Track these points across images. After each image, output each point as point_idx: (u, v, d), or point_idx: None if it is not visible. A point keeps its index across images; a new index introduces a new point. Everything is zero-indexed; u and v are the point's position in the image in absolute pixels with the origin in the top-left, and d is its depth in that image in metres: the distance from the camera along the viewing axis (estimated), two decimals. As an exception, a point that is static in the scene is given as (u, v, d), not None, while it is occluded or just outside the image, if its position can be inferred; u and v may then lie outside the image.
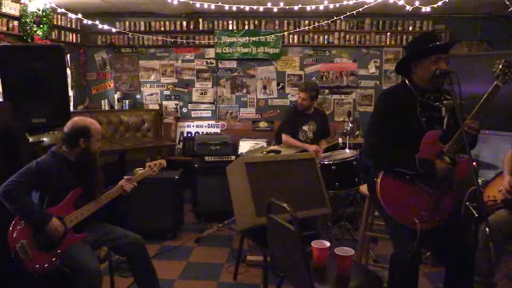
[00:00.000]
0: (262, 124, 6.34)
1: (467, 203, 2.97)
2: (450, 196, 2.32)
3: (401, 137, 2.31)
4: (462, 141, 2.15)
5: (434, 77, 2.24)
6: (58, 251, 2.41)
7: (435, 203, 2.27)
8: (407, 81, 2.44)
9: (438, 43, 2.32)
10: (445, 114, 2.38)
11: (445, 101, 2.33)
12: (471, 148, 2.36)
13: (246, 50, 6.14)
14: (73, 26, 5.89)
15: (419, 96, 2.36)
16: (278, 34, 6.04)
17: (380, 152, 2.38)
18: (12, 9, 4.64)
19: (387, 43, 6.04)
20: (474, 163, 2.05)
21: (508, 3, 4.39)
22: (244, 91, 6.32)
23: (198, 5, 5.18)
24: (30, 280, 2.43)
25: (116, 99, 6.26)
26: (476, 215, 1.99)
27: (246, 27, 6.11)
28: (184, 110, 6.42)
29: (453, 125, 2.34)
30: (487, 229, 1.84)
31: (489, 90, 2.19)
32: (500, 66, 2.18)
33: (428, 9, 5.00)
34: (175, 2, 4.97)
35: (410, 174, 2.26)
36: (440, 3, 4.75)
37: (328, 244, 2.27)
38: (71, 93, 5.53)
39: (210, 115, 6.41)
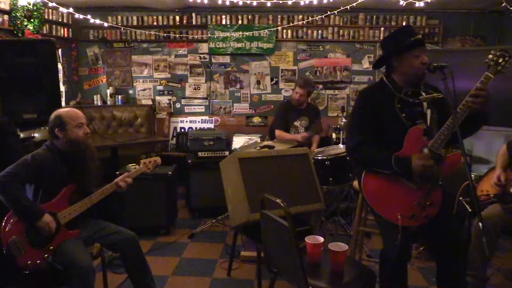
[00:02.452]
0: (256, 120, 6.32)
1: (460, 198, 3.00)
2: (437, 192, 2.28)
3: (383, 134, 2.31)
4: (448, 135, 2.14)
5: (428, 71, 2.22)
6: (51, 248, 2.39)
7: (420, 199, 2.23)
8: (384, 78, 2.42)
9: (417, 36, 2.29)
10: (426, 108, 2.36)
11: (421, 97, 2.30)
12: (471, 133, 2.31)
13: (239, 45, 6.10)
14: (65, 20, 5.82)
15: (396, 92, 2.34)
16: (272, 29, 6.01)
17: (358, 154, 2.38)
18: (2, 3, 4.57)
19: (381, 38, 6.02)
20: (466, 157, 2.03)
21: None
22: (238, 86, 6.30)
23: (191, -1, 5.16)
24: (22, 276, 2.41)
25: (108, 94, 6.20)
26: (469, 210, 2.00)
27: (240, 22, 6.07)
28: (177, 105, 6.39)
29: (437, 119, 2.32)
30: (480, 224, 1.84)
31: (479, 81, 2.12)
32: (490, 56, 2.10)
33: (422, 4, 5.01)
34: (168, -4, 4.94)
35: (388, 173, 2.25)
36: (433, -2, 4.77)
37: (321, 239, 2.27)
38: (62, 88, 5.48)
39: (203, 110, 6.37)
